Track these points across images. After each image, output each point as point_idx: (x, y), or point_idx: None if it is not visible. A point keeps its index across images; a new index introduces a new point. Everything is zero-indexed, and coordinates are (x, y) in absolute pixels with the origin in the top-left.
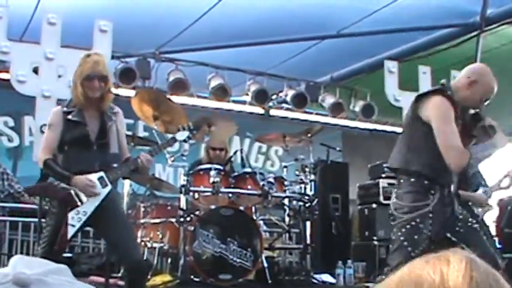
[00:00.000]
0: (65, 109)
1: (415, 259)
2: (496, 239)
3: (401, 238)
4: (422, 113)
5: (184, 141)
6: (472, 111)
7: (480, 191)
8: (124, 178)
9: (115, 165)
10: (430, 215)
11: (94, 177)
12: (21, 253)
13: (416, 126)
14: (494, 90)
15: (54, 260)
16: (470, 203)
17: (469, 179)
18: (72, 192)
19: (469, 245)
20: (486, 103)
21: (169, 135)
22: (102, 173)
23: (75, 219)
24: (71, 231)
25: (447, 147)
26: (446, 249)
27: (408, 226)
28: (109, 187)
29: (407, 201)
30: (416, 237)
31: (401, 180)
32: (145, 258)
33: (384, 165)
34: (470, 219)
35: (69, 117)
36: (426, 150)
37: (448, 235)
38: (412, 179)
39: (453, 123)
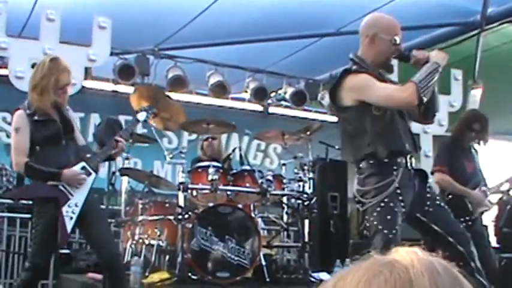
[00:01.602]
0: (28, 111)
1: (394, 240)
2: (495, 238)
3: (375, 223)
4: (342, 100)
5: (145, 121)
6: (398, 57)
7: (478, 189)
8: (122, 175)
9: (88, 155)
10: (398, 191)
11: (77, 168)
12: (19, 249)
13: (345, 115)
14: (397, 26)
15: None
16: (466, 200)
17: (468, 174)
18: (62, 187)
19: (438, 225)
20: (398, 41)
21: (169, 133)
22: (83, 163)
23: (69, 212)
24: (70, 224)
25: (386, 97)
26: (416, 229)
27: (378, 208)
28: (93, 175)
29: (372, 184)
30: (389, 217)
31: (360, 165)
32: (141, 255)
33: None
34: (438, 197)
35: (36, 118)
36: (364, 130)
37: (418, 215)
38: (371, 161)
39: (376, 82)
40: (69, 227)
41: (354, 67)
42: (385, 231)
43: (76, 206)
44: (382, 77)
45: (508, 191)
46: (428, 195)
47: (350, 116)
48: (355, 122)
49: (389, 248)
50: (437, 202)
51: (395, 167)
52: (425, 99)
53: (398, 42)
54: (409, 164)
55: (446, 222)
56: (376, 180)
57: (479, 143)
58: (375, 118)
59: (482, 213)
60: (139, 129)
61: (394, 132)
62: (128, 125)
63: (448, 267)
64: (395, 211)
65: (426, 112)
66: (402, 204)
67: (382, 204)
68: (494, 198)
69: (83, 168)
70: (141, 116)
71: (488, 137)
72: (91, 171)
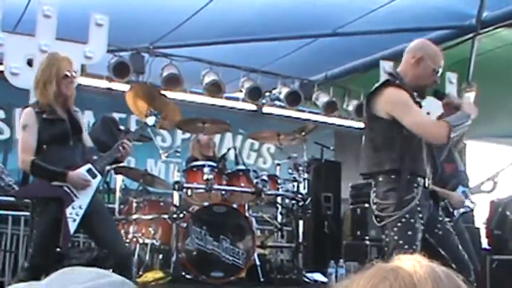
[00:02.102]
0: (37, 109)
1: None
2: (486, 240)
3: (396, 237)
4: (377, 110)
5: (154, 125)
6: (434, 91)
7: (459, 191)
8: (116, 173)
9: (95, 157)
10: (419, 209)
11: (83, 169)
12: (11, 247)
13: (376, 124)
14: (441, 57)
15: (54, 257)
16: (446, 201)
17: (447, 177)
18: (67, 188)
19: (444, 249)
20: (439, 74)
21: (162, 131)
22: (89, 165)
23: (73, 213)
24: (72, 226)
25: (420, 125)
26: (424, 250)
27: (399, 224)
28: (99, 177)
29: (393, 198)
30: (410, 233)
31: (380, 179)
32: (135, 253)
33: None
34: (447, 221)
35: (44, 116)
36: (392, 145)
37: (427, 235)
38: (392, 176)
39: (414, 106)
40: (72, 229)
41: (395, 81)
42: (406, 246)
43: (80, 208)
44: (416, 101)
45: (491, 190)
46: (440, 218)
47: (380, 127)
48: (384, 134)
49: None
50: (447, 226)
51: (415, 185)
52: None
53: (439, 73)
54: (426, 184)
55: (452, 248)
56: (398, 195)
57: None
58: (405, 137)
59: (462, 214)
60: (133, 127)
61: (419, 156)
62: (137, 127)
63: (449, 273)
64: (416, 227)
65: None
66: (422, 221)
67: (403, 219)
68: (477, 198)
69: (89, 170)
70: (151, 120)
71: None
72: (97, 173)
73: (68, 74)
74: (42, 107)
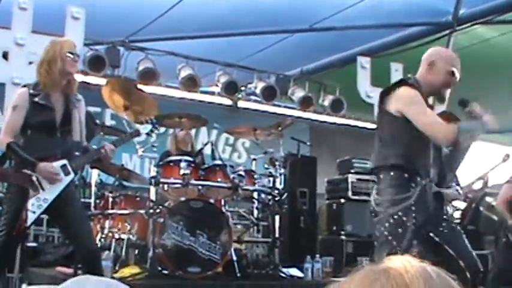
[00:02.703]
0: (31, 91)
1: (399, 253)
2: None
3: (386, 233)
4: (390, 107)
5: (148, 134)
6: (459, 98)
7: (451, 189)
8: (92, 168)
9: (77, 153)
10: (413, 208)
11: (57, 164)
12: None
13: (387, 121)
14: (456, 60)
15: (13, 247)
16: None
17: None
18: (34, 178)
19: (450, 246)
20: (456, 76)
21: (138, 126)
22: (65, 161)
23: (35, 205)
24: (31, 218)
25: (429, 125)
26: (428, 249)
27: (391, 220)
28: (71, 175)
29: (389, 195)
30: (400, 230)
31: (381, 176)
32: (111, 249)
33: (353, 160)
34: (454, 221)
35: (36, 99)
36: (399, 142)
37: (431, 234)
38: (392, 173)
39: (425, 106)
40: (29, 221)
41: (410, 81)
42: (394, 242)
43: (45, 201)
44: (430, 105)
45: (481, 189)
46: (445, 216)
47: (390, 124)
48: (393, 131)
49: None
50: (453, 225)
51: (413, 184)
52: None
53: (455, 74)
54: (427, 187)
55: (459, 246)
56: (393, 192)
57: None
58: (413, 137)
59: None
60: (108, 121)
61: (424, 158)
62: (128, 132)
63: (440, 272)
64: (407, 225)
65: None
66: (414, 221)
67: (396, 216)
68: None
69: (63, 166)
70: (145, 128)
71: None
72: (70, 171)
73: (72, 52)
74: (37, 90)
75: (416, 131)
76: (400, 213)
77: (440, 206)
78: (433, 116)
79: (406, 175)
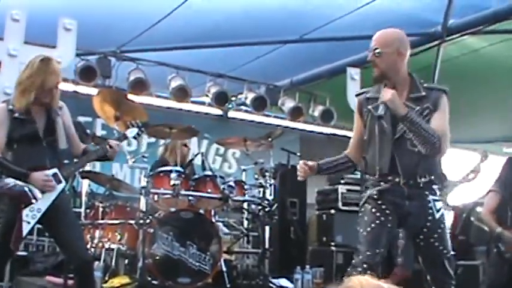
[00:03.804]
0: (10, 107)
1: (370, 238)
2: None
3: (358, 227)
4: None
5: (134, 137)
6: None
7: None
8: (82, 177)
9: (66, 161)
10: (375, 196)
11: (48, 174)
12: None
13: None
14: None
15: (6, 258)
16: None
17: None
18: (27, 189)
19: (422, 260)
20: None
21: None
22: (55, 170)
23: (29, 216)
24: (26, 229)
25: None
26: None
27: (360, 214)
28: (63, 183)
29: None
30: (366, 218)
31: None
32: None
33: None
34: (434, 232)
35: (16, 115)
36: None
37: (415, 237)
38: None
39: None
40: (25, 231)
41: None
42: (361, 230)
43: (38, 211)
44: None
45: (473, 179)
46: (428, 223)
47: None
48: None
49: (364, 246)
50: (431, 240)
51: (368, 183)
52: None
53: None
54: (402, 183)
55: (430, 262)
56: (362, 192)
57: None
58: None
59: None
60: (99, 131)
61: (372, 155)
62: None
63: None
64: (373, 212)
65: None
66: (383, 206)
67: (362, 209)
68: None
69: (54, 174)
70: (131, 132)
71: None
72: (61, 179)
73: (52, 87)
74: (15, 105)
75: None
76: (365, 205)
77: (422, 203)
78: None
79: (366, 175)
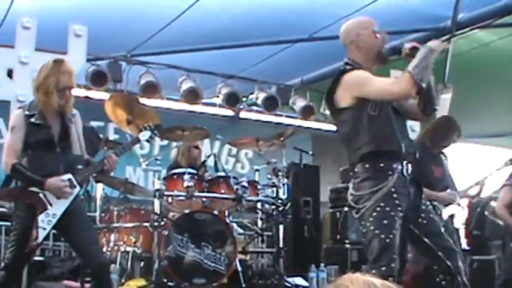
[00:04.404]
0: (26, 112)
1: (392, 245)
2: (465, 241)
3: (372, 228)
4: (338, 103)
5: (147, 141)
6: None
7: (446, 193)
8: (88, 181)
9: (79, 166)
10: (394, 195)
11: (63, 179)
12: None
13: (342, 117)
14: (367, 20)
15: (23, 263)
16: (435, 203)
17: (435, 181)
18: (42, 195)
19: (428, 238)
20: (384, 31)
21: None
22: (69, 175)
23: (45, 222)
24: (42, 234)
25: (381, 90)
26: (408, 240)
27: (374, 213)
28: (77, 188)
29: (366, 188)
30: (386, 222)
31: (355, 169)
32: (117, 262)
33: None
34: (431, 209)
35: (32, 120)
36: (361, 129)
37: (411, 226)
38: (367, 165)
39: (373, 77)
40: (40, 237)
41: (348, 67)
42: (382, 235)
43: (54, 216)
44: (377, 74)
45: (477, 194)
46: (423, 206)
47: (346, 117)
48: (351, 123)
49: (386, 253)
50: (431, 215)
51: (390, 172)
52: (424, 85)
53: (377, 30)
54: (405, 170)
55: (437, 236)
56: (371, 184)
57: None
58: (371, 118)
59: (452, 216)
60: (111, 135)
61: (391, 133)
62: (128, 140)
63: (385, 282)
64: (392, 215)
65: (426, 104)
66: (399, 208)
67: (378, 208)
68: (464, 202)
69: (68, 180)
70: (144, 135)
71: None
72: (76, 184)
73: (66, 87)
74: (32, 110)
75: (373, 111)
76: (382, 204)
77: (419, 192)
78: (383, 81)
79: (381, 164)
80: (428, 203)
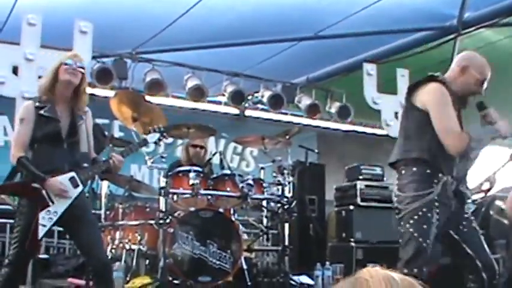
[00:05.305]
0: (37, 104)
1: (426, 251)
2: None
3: (411, 230)
4: (417, 101)
5: (155, 143)
6: (477, 100)
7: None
8: (93, 179)
9: (85, 164)
10: (436, 204)
11: (65, 177)
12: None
13: (412, 115)
14: (488, 70)
15: (27, 260)
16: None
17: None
18: (44, 192)
19: (469, 246)
20: (484, 86)
21: (145, 135)
22: (73, 173)
23: (46, 219)
24: (41, 231)
25: (444, 131)
26: (447, 247)
27: (416, 216)
28: (80, 187)
29: (411, 191)
30: (425, 226)
31: (402, 171)
32: (122, 259)
33: (361, 166)
34: (474, 221)
35: (42, 112)
36: (424, 136)
37: (451, 232)
38: (414, 168)
39: (451, 108)
40: (40, 234)
41: (440, 77)
42: (420, 239)
43: (55, 214)
44: (457, 106)
45: (489, 190)
46: (465, 215)
47: (415, 117)
48: (417, 124)
49: (420, 256)
50: (473, 225)
51: (436, 180)
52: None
53: (484, 83)
54: (449, 184)
55: (478, 247)
56: (416, 187)
57: None
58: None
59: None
60: (116, 133)
61: (448, 156)
62: (136, 142)
63: (405, 277)
64: (432, 222)
65: None
66: (437, 217)
67: (420, 213)
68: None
69: (72, 178)
70: (152, 137)
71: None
72: (79, 183)
73: (68, 62)
74: (42, 103)
75: None
76: (424, 209)
77: (461, 204)
78: (452, 123)
79: (428, 170)
80: (472, 217)
